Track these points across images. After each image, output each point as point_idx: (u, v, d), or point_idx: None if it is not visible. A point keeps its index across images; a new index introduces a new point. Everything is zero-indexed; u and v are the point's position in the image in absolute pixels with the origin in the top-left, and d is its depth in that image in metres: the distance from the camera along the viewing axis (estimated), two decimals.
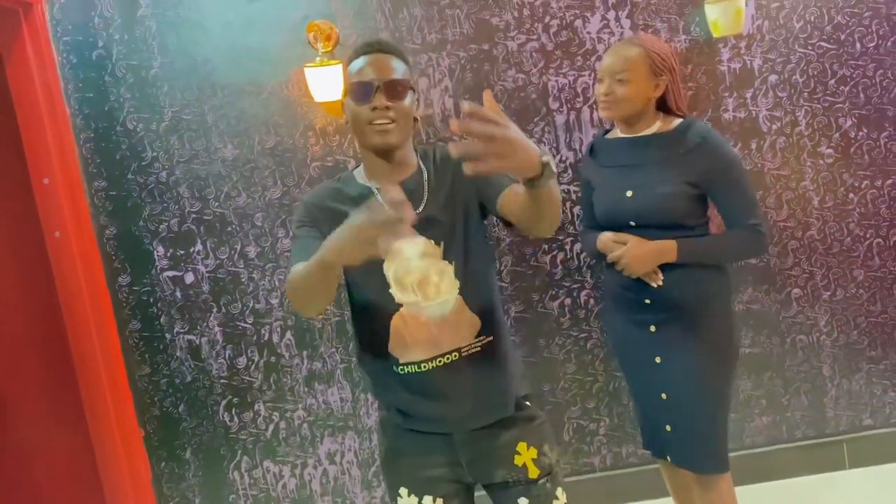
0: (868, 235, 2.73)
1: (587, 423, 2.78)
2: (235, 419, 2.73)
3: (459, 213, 1.61)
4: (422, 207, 1.59)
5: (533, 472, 1.63)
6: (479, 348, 1.60)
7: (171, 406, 2.72)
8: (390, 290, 1.57)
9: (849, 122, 2.67)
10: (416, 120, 1.64)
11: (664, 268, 2.00)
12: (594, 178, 2.17)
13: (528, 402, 1.70)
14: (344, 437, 2.75)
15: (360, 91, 1.55)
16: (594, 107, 2.61)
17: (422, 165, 1.65)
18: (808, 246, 2.72)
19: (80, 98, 2.57)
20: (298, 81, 2.55)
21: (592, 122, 2.63)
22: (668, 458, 2.12)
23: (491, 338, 1.61)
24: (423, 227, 1.54)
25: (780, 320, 2.75)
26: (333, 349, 2.71)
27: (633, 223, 2.02)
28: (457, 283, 1.58)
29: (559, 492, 1.66)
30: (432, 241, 1.57)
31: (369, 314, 1.61)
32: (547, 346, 2.72)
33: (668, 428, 2.07)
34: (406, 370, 1.59)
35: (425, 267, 1.56)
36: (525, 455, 1.63)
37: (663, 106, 2.06)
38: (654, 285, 2.00)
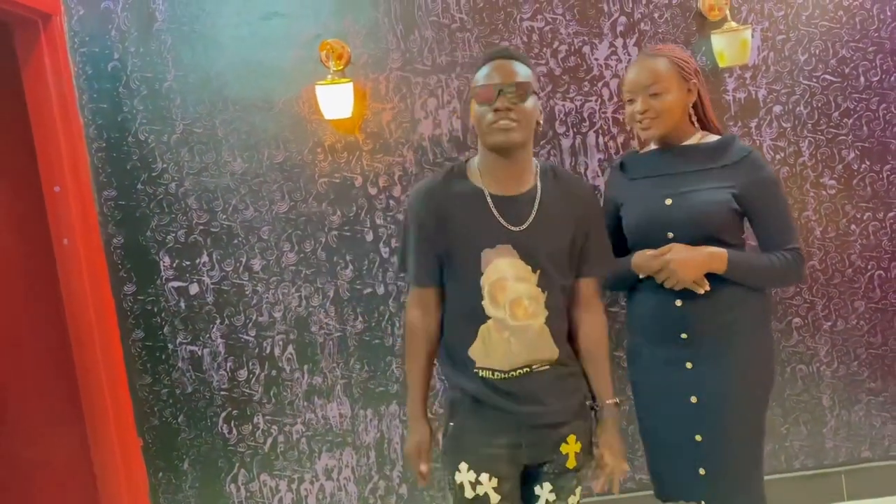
0: (869, 267, 2.74)
1: None
2: (234, 431, 2.73)
3: (562, 249, 1.75)
4: (527, 224, 1.71)
5: (571, 463, 1.77)
6: (547, 367, 1.75)
7: (171, 416, 2.73)
8: (483, 302, 1.70)
9: (852, 155, 2.69)
10: (538, 124, 1.75)
11: (700, 301, 1.85)
12: (624, 193, 2.01)
13: (584, 405, 1.84)
14: (342, 452, 2.75)
15: (483, 94, 1.67)
16: (600, 132, 2.64)
17: (538, 184, 1.76)
18: (810, 276, 2.73)
19: (93, 108, 2.61)
20: (309, 99, 2.59)
21: (598, 147, 2.65)
22: (703, 503, 1.93)
23: (564, 366, 1.78)
24: (523, 244, 1.69)
25: (780, 349, 2.76)
26: (334, 364, 2.72)
27: (670, 234, 1.88)
28: (545, 312, 1.72)
29: (578, 490, 1.81)
30: (530, 268, 1.70)
31: (460, 316, 1.76)
32: None
33: (701, 472, 1.90)
34: (482, 374, 1.74)
35: (521, 289, 1.70)
36: (571, 447, 1.77)
37: (699, 122, 2.00)
38: (702, 291, 1.84)
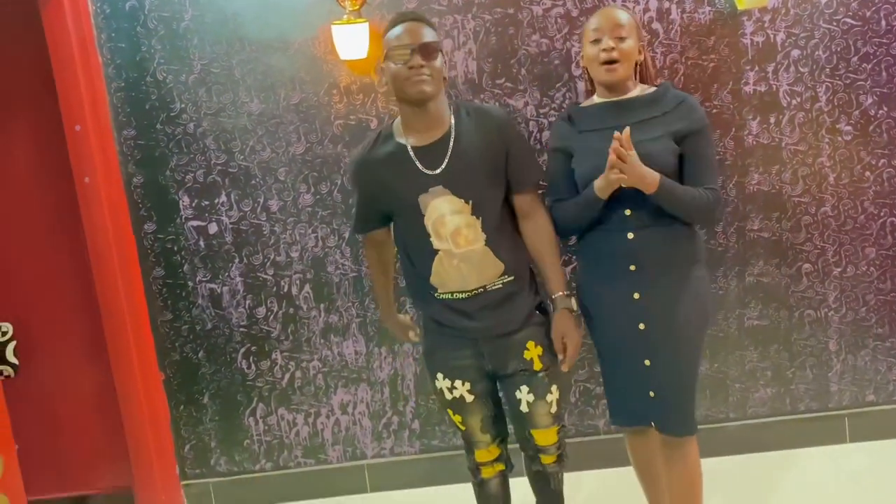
0: (882, 214, 2.75)
1: (593, 387, 2.84)
2: (253, 367, 2.82)
3: (485, 176, 1.98)
4: (444, 165, 1.95)
5: (537, 366, 2.04)
6: (500, 286, 2.01)
7: (191, 352, 2.81)
8: (430, 239, 1.97)
9: (869, 100, 2.68)
10: (444, 79, 1.98)
11: (649, 231, 1.99)
12: (574, 145, 2.10)
13: (538, 312, 2.10)
14: (357, 388, 2.84)
15: (398, 54, 1.88)
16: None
17: (453, 125, 1.98)
18: (822, 222, 2.75)
19: (112, 48, 2.63)
20: (325, 39, 2.59)
21: None
22: (652, 423, 2.10)
23: (512, 277, 2.02)
24: (450, 182, 1.94)
25: (789, 294, 2.79)
26: (350, 303, 2.78)
27: (623, 185, 1.96)
28: (484, 236, 1.97)
29: (554, 388, 2.08)
30: (462, 201, 1.94)
31: (415, 255, 2.04)
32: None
33: (651, 394, 2.07)
34: (443, 297, 2.02)
35: (458, 221, 1.95)
36: (533, 351, 2.04)
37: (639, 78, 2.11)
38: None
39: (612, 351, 2.16)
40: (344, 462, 2.88)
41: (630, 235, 2.01)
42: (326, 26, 2.55)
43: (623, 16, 2.03)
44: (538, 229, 2.07)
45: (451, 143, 1.96)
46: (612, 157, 1.89)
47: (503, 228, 2.02)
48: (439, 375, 2.10)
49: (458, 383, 2.07)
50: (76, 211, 2.62)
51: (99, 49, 2.61)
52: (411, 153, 1.97)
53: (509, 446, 2.23)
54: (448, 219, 1.95)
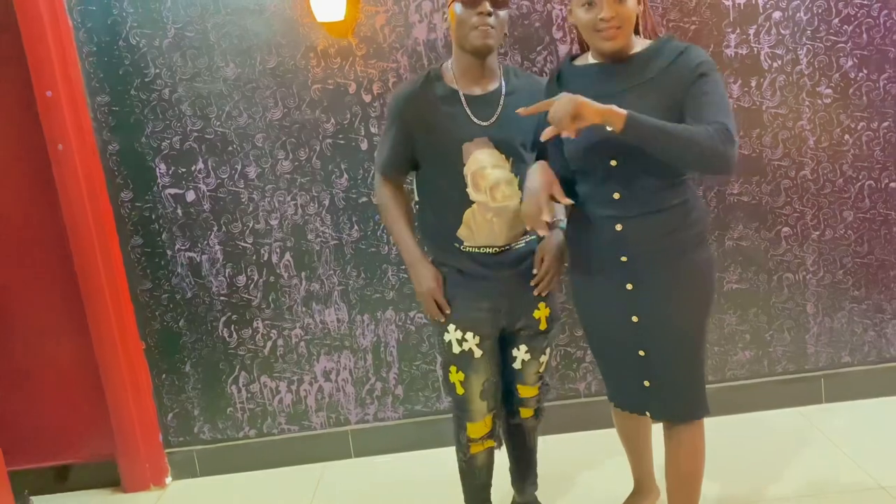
0: (861, 177, 2.77)
1: (574, 351, 2.87)
2: (234, 335, 2.81)
3: (527, 137, 1.99)
4: (494, 118, 1.95)
5: (543, 325, 2.09)
6: (523, 244, 2.05)
7: (172, 321, 2.80)
8: (467, 189, 1.96)
9: (849, 63, 2.67)
10: (506, 35, 1.97)
11: (638, 221, 1.83)
12: None
13: None
14: (340, 356, 2.84)
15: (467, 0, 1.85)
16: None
17: (503, 81, 2.00)
18: (801, 186, 2.76)
19: (82, 11, 2.56)
20: (301, 1, 2.54)
21: None
22: (648, 413, 2.02)
23: (534, 237, 2.05)
24: (496, 136, 1.95)
25: (768, 258, 2.81)
26: (331, 272, 2.77)
27: (613, 162, 1.82)
28: (519, 194, 1.96)
29: (548, 350, 2.15)
30: (504, 156, 1.96)
31: (446, 203, 2.01)
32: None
33: (646, 384, 1.97)
34: (469, 250, 2.01)
35: (498, 175, 1.95)
36: (542, 311, 2.08)
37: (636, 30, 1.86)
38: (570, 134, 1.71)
39: (605, 341, 2.05)
40: (328, 428, 2.89)
41: (618, 227, 1.84)
42: None
43: None
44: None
45: (503, 98, 1.97)
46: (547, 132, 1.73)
47: None
48: (451, 327, 2.04)
49: (468, 335, 2.03)
50: (51, 179, 2.58)
51: (69, 12, 2.54)
52: (463, 99, 1.95)
53: None
54: (489, 171, 1.94)
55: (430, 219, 2.08)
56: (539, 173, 1.87)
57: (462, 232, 1.99)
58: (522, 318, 2.07)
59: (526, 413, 2.21)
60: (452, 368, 2.07)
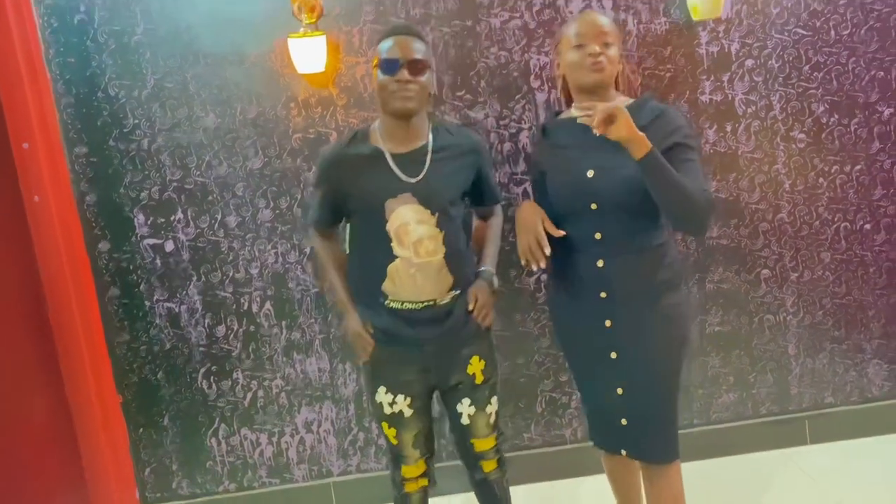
0: (836, 219, 2.81)
1: (559, 397, 2.84)
2: (214, 387, 2.76)
3: (454, 193, 2.04)
4: (422, 175, 1.98)
5: (479, 379, 2.10)
6: (448, 300, 2.03)
7: (150, 373, 2.75)
8: (391, 244, 1.97)
9: (821, 108, 2.73)
10: (430, 94, 2.01)
11: (620, 258, 1.91)
12: (546, 161, 2.04)
13: (481, 326, 2.11)
14: (321, 406, 2.79)
15: (387, 66, 1.92)
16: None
17: (430, 137, 2.03)
18: (779, 228, 2.79)
19: (61, 63, 2.55)
20: (281, 52, 2.56)
21: None
22: (623, 452, 2.07)
23: (459, 292, 2.05)
24: (421, 192, 1.96)
25: (748, 300, 2.83)
26: (312, 320, 2.74)
27: (594, 205, 1.92)
28: (444, 249, 1.99)
29: (493, 400, 2.15)
30: (428, 212, 1.97)
31: (371, 258, 2.02)
32: (522, 321, 2.78)
33: (623, 422, 2.02)
34: (392, 305, 2.02)
35: (422, 231, 1.96)
36: (476, 366, 2.09)
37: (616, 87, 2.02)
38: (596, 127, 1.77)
39: (585, 376, 2.13)
40: (310, 481, 2.83)
41: (600, 263, 1.94)
42: (283, 39, 2.51)
43: (605, 21, 1.94)
44: (488, 224, 2.23)
45: (430, 155, 2.00)
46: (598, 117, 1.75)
47: (459, 245, 2.06)
48: (381, 389, 2.09)
49: (399, 398, 2.07)
50: (26, 231, 2.53)
51: (47, 64, 2.53)
52: (389, 158, 1.99)
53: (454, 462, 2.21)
54: (412, 227, 1.96)
55: (357, 272, 2.11)
56: (529, 210, 1.99)
57: (386, 286, 2.01)
58: (455, 375, 2.08)
59: (488, 466, 2.19)
60: (384, 424, 2.12)
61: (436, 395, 2.18)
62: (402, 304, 2.01)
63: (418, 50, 1.94)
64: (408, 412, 2.08)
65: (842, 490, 2.60)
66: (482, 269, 2.13)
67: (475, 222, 2.25)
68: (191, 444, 2.79)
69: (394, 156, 1.99)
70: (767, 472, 2.78)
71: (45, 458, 2.76)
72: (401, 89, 1.91)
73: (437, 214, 1.98)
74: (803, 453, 2.88)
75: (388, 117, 1.99)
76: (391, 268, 1.99)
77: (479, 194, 2.16)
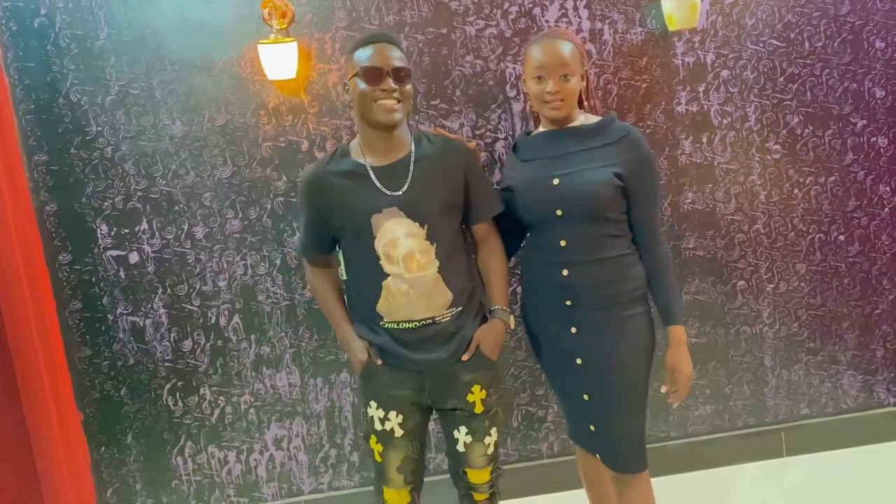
0: (811, 230, 2.81)
1: (536, 410, 2.80)
2: (180, 403, 2.67)
3: (443, 203, 1.92)
4: (405, 186, 1.89)
5: (478, 409, 1.99)
6: (448, 318, 1.93)
7: (113, 389, 2.65)
8: (380, 262, 1.89)
9: (796, 119, 2.73)
10: (413, 105, 1.99)
11: (583, 268, 1.96)
12: (515, 175, 2.07)
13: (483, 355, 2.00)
14: (292, 422, 2.71)
15: (370, 75, 1.83)
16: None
17: (413, 147, 1.94)
18: (754, 239, 2.78)
19: (20, 67, 2.46)
20: (251, 59, 2.49)
21: None
22: (598, 456, 2.09)
23: (460, 309, 1.95)
24: (407, 205, 1.87)
25: (725, 311, 2.82)
26: (283, 333, 2.66)
27: (559, 212, 1.95)
28: (437, 262, 1.90)
29: (493, 431, 2.03)
30: (417, 224, 1.88)
31: (364, 278, 1.94)
32: None
33: (591, 428, 2.05)
34: (389, 326, 1.94)
35: (411, 244, 1.88)
36: (477, 395, 1.98)
37: (580, 104, 2.06)
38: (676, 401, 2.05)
39: (556, 381, 2.16)
40: (280, 499, 2.75)
41: (565, 272, 1.97)
42: (253, 45, 2.45)
43: (566, 48, 1.92)
44: (488, 253, 2.07)
45: (412, 166, 1.91)
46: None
47: (456, 258, 1.95)
48: (373, 403, 2.00)
49: (391, 415, 1.98)
50: None
51: (5, 69, 2.43)
52: (371, 172, 1.90)
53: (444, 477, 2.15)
54: (401, 242, 1.87)
55: (353, 295, 2.02)
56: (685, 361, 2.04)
57: (381, 306, 1.92)
58: (452, 400, 1.98)
59: (479, 497, 2.09)
60: (373, 438, 2.03)
61: (432, 422, 2.08)
62: (399, 324, 1.92)
63: (400, 58, 1.87)
64: (398, 432, 1.98)
65: (818, 502, 2.58)
66: (494, 307, 2.03)
67: (478, 251, 2.10)
68: (155, 463, 2.69)
69: (375, 169, 1.91)
70: (744, 485, 2.76)
71: (0, 478, 2.64)
72: (387, 98, 1.82)
73: (426, 226, 1.88)
74: (780, 466, 2.86)
75: (369, 129, 1.90)
76: (383, 286, 1.90)
77: (472, 209, 2.02)
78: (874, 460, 2.83)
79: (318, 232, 2.01)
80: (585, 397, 2.02)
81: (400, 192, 1.88)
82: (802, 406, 2.91)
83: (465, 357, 1.96)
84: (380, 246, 1.88)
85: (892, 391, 2.94)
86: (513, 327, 2.08)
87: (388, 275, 1.89)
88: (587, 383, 2.01)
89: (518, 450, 2.81)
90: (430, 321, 1.91)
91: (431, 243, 1.89)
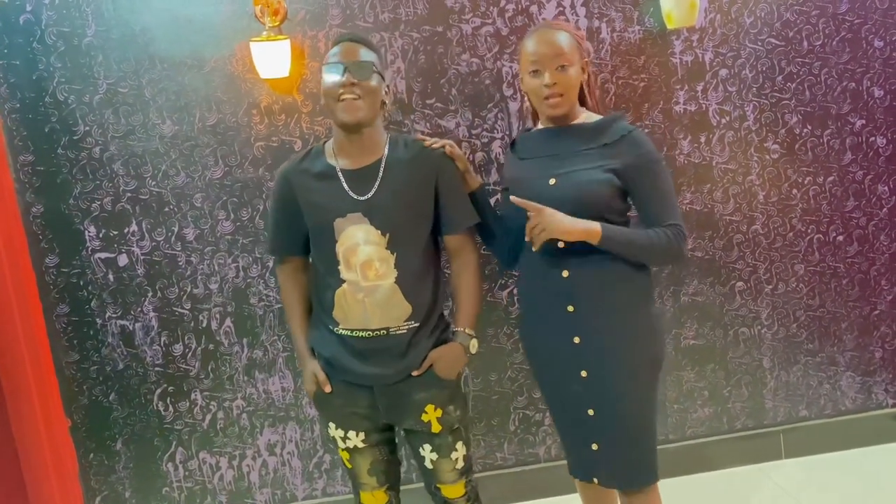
0: (809, 231, 2.78)
1: (532, 414, 2.76)
2: (170, 408, 2.61)
3: (410, 212, 1.86)
4: (372, 192, 1.84)
5: (435, 428, 1.93)
6: (404, 331, 1.87)
7: (101, 395, 2.59)
8: (339, 267, 1.85)
9: (794, 119, 2.71)
10: (384, 104, 1.89)
11: (585, 269, 1.86)
12: (512, 174, 2.01)
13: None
14: (285, 427, 2.66)
15: (330, 70, 1.81)
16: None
17: (386, 153, 1.89)
18: (753, 240, 2.76)
19: (4, 65, 2.40)
20: (243, 57, 2.44)
21: None
22: (596, 480, 1.98)
23: (417, 324, 1.88)
24: (370, 212, 1.83)
25: (723, 313, 2.79)
26: (275, 337, 2.62)
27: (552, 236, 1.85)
28: (395, 273, 1.84)
29: (459, 445, 1.97)
30: (379, 232, 1.82)
31: (323, 283, 1.90)
32: (495, 336, 2.69)
33: (594, 447, 1.94)
34: (342, 332, 1.89)
35: (370, 252, 1.83)
36: (431, 415, 1.92)
37: (582, 102, 1.98)
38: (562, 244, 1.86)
39: (556, 398, 2.03)
40: None
41: (565, 273, 1.88)
42: (245, 43, 2.40)
43: (562, 38, 1.84)
44: (460, 267, 1.99)
45: (382, 171, 1.86)
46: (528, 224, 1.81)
47: (421, 270, 1.89)
48: (332, 425, 1.98)
49: (351, 434, 1.96)
50: None
51: None
52: (340, 175, 1.86)
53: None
54: (361, 248, 1.83)
55: (314, 299, 1.99)
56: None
57: (336, 313, 1.88)
58: (408, 420, 1.93)
59: None
60: (339, 448, 2.03)
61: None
62: (353, 331, 1.87)
63: (364, 55, 1.83)
64: (362, 445, 1.97)
65: None
66: (456, 329, 1.95)
67: (451, 264, 2.02)
68: (145, 470, 2.64)
69: (345, 172, 1.86)
70: (743, 487, 2.74)
71: None
72: (346, 92, 1.77)
73: (387, 235, 1.83)
74: (778, 468, 2.84)
75: (339, 131, 1.87)
76: (338, 292, 1.85)
77: (443, 218, 1.94)
78: (873, 462, 2.81)
79: (287, 229, 1.97)
80: (590, 412, 1.91)
81: (366, 197, 1.84)
82: (801, 408, 2.89)
83: (415, 373, 1.89)
84: (340, 251, 1.84)
85: (891, 392, 2.92)
86: (474, 352, 1.97)
87: (344, 281, 1.85)
88: (593, 397, 1.90)
89: (515, 454, 2.77)
90: (385, 332, 1.85)
91: (392, 252, 1.84)
